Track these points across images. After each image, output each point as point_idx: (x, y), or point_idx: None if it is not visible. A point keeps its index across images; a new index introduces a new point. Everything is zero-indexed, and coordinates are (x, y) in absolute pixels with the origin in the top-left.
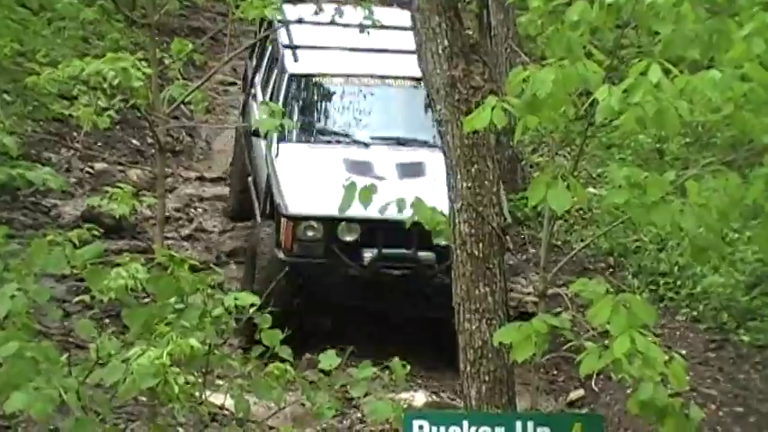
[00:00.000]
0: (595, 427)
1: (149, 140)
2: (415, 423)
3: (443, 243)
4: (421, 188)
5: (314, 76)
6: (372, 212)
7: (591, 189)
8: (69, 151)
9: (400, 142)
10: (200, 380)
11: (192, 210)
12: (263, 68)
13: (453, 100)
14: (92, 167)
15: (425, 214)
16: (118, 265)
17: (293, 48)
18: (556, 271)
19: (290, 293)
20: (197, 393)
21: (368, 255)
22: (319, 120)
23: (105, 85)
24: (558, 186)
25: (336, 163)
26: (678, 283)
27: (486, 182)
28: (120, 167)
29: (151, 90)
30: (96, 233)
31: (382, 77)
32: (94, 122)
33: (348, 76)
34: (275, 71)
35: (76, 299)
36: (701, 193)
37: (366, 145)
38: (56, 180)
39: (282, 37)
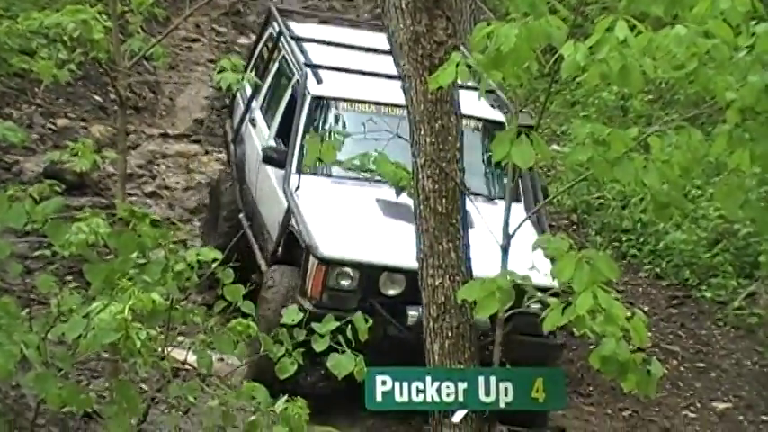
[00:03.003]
0: (557, 381)
1: (112, 96)
2: (378, 378)
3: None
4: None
5: (340, 100)
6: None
7: (555, 146)
8: (31, 107)
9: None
10: (162, 335)
11: (156, 167)
12: (264, 88)
13: (417, 55)
14: (54, 124)
15: (387, 169)
16: (79, 220)
17: (314, 67)
18: (518, 227)
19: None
20: (159, 349)
21: (413, 313)
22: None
23: (65, 38)
24: (522, 143)
25: (370, 203)
26: (641, 239)
27: (449, 138)
28: (83, 124)
29: (112, 43)
30: (58, 189)
31: (392, 106)
32: (55, 76)
33: (379, 104)
34: (287, 93)
35: (37, 252)
36: (663, 149)
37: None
38: (16, 135)
39: (297, 55)
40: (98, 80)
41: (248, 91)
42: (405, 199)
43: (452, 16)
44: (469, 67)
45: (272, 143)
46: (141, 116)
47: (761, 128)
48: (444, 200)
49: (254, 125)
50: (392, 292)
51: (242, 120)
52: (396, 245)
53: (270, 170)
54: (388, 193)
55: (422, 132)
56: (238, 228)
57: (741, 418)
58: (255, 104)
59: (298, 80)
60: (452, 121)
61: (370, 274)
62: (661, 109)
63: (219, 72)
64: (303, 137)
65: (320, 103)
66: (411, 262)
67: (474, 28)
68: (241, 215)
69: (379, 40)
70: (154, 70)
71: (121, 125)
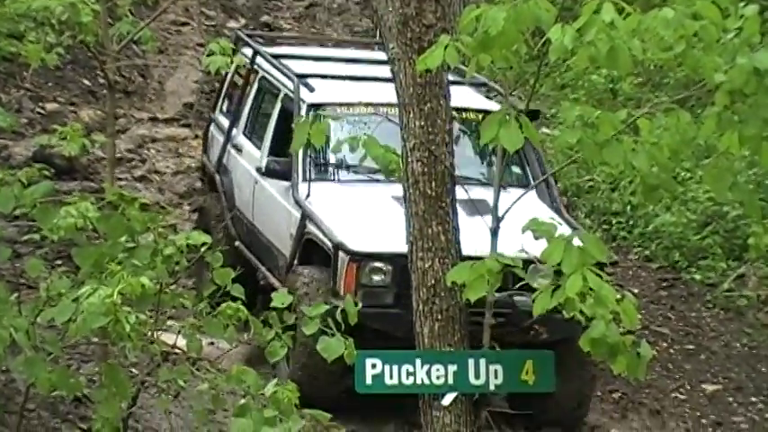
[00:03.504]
0: (546, 363)
1: (101, 80)
2: (368, 361)
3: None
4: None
5: (336, 105)
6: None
7: (544, 129)
8: (19, 91)
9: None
10: (151, 319)
11: (145, 151)
12: (245, 113)
13: (405, 38)
14: (43, 108)
15: (376, 152)
16: (68, 204)
17: (303, 77)
18: (508, 210)
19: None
20: (148, 333)
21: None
22: (347, 154)
23: (53, 21)
24: (510, 125)
25: (387, 201)
26: (631, 222)
27: (438, 121)
28: (72, 108)
29: (100, 27)
30: (47, 173)
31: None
32: (43, 60)
33: (374, 104)
34: (275, 109)
35: (26, 237)
36: (652, 131)
37: None
38: (5, 119)
39: (282, 69)
40: (87, 64)
41: (222, 122)
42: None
43: None
44: (458, 49)
45: (266, 161)
46: (130, 100)
47: (750, 110)
48: (434, 183)
49: (239, 151)
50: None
51: (224, 149)
52: None
53: (270, 187)
54: (401, 190)
55: (411, 115)
56: (235, 258)
57: (731, 399)
58: (236, 132)
59: (287, 93)
60: (441, 105)
61: (404, 266)
62: (650, 91)
63: (209, 56)
64: (305, 147)
65: (316, 111)
66: None
67: (463, 11)
68: (237, 243)
69: (348, 53)
70: (143, 54)
71: (110, 109)
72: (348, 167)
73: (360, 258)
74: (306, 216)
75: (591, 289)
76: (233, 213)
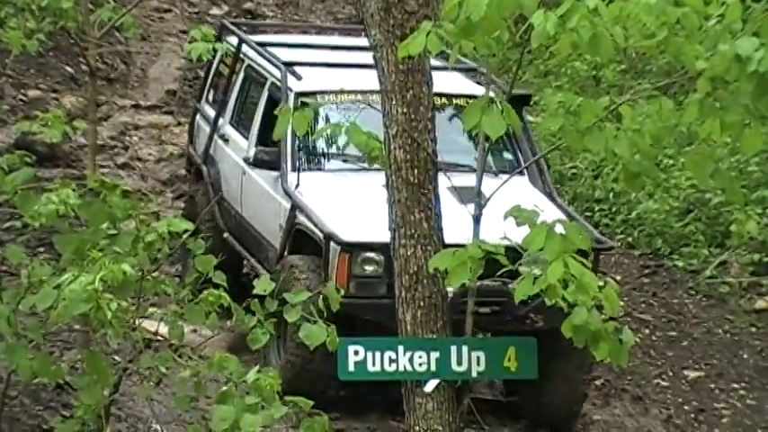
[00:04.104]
0: (529, 350)
1: (83, 67)
2: (351, 348)
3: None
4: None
5: (325, 93)
6: (449, 237)
7: (528, 117)
8: (1, 78)
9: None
10: (133, 306)
11: (128, 138)
12: (231, 103)
13: (388, 25)
14: (25, 95)
15: (359, 139)
16: (50, 191)
17: (290, 65)
18: (491, 197)
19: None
20: (130, 320)
21: (449, 288)
22: (336, 143)
23: (34, 7)
24: (492, 112)
25: (378, 190)
26: (613, 209)
27: (421, 108)
28: (54, 95)
29: (81, 13)
30: (29, 160)
31: None
32: (24, 46)
33: (363, 92)
34: (262, 98)
35: (7, 224)
36: (634, 118)
37: None
38: None
39: (269, 57)
40: (69, 51)
41: (209, 112)
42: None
43: None
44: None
45: (254, 151)
46: (113, 87)
47: (731, 97)
48: (416, 170)
49: (226, 141)
50: None
51: (210, 139)
52: None
53: (258, 177)
54: None
55: (393, 102)
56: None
57: (713, 386)
58: (223, 122)
59: (274, 82)
60: (424, 91)
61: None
62: (633, 79)
63: (191, 42)
64: (293, 134)
65: (306, 99)
66: (446, 239)
67: None
68: (226, 235)
69: (333, 40)
70: (125, 41)
71: (92, 95)
72: (338, 156)
73: (352, 249)
74: (295, 206)
75: (573, 276)
76: (219, 203)
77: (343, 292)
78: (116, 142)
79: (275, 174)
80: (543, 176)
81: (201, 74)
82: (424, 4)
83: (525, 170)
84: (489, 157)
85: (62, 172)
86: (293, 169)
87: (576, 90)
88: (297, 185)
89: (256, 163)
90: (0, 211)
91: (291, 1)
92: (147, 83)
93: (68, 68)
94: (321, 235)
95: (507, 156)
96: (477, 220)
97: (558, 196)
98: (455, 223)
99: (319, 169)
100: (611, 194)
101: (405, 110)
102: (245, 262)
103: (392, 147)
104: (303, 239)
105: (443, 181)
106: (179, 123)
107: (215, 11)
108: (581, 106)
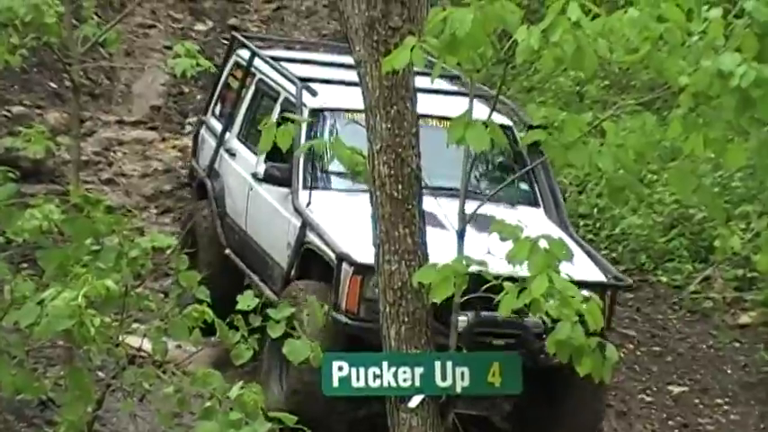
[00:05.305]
0: (513, 366)
1: (68, 83)
2: (335, 364)
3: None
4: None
5: (338, 111)
6: (470, 267)
7: None
8: None
9: (453, 192)
10: (116, 322)
11: (112, 153)
12: (240, 117)
13: (372, 41)
14: (9, 111)
15: (343, 153)
16: (33, 206)
17: (305, 81)
18: (474, 212)
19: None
20: (114, 335)
21: (461, 319)
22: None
23: (17, 22)
24: (476, 126)
25: None
26: (598, 224)
27: (405, 123)
28: (39, 111)
29: (65, 28)
30: (12, 176)
31: (427, 117)
32: (7, 61)
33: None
34: (273, 113)
35: None
36: (618, 133)
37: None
38: None
39: (283, 72)
40: (53, 67)
41: (215, 125)
42: (428, 206)
43: (408, 1)
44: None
45: (262, 167)
46: (97, 103)
47: (714, 112)
48: (400, 186)
49: (232, 155)
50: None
51: (216, 153)
52: (433, 249)
53: (267, 193)
54: None
55: (378, 118)
56: (223, 267)
57: (697, 401)
58: (230, 135)
59: (287, 97)
60: (408, 107)
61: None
62: (617, 94)
63: (174, 58)
64: (305, 153)
65: (318, 116)
66: None
67: (429, 13)
68: (227, 251)
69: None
70: (109, 56)
71: (75, 111)
72: (350, 175)
73: (365, 270)
74: (306, 225)
75: (557, 290)
76: (222, 218)
77: (352, 316)
78: (100, 158)
79: (285, 190)
80: (559, 210)
81: (186, 89)
82: (408, 20)
83: (541, 203)
84: (505, 188)
85: (46, 188)
86: (305, 187)
87: (560, 105)
88: (308, 203)
89: (267, 179)
90: None
91: (276, 17)
92: (131, 98)
93: (52, 84)
94: (332, 255)
95: (523, 186)
96: (461, 235)
97: (574, 231)
98: (474, 253)
99: (331, 188)
100: (595, 210)
101: (389, 125)
102: (245, 279)
103: (376, 162)
104: (312, 259)
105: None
106: (163, 139)
107: (199, 26)
108: (565, 121)
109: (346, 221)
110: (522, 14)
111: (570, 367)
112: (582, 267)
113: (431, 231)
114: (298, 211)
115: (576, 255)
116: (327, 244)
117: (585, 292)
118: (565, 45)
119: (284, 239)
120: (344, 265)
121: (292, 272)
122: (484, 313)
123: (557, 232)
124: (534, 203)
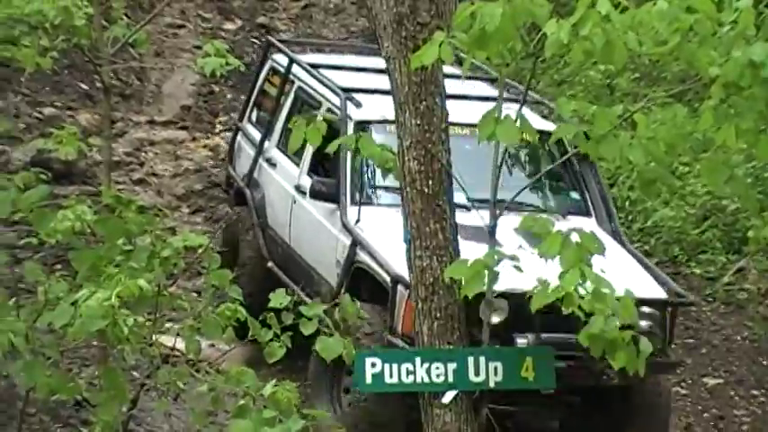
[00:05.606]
0: (546, 360)
1: (98, 84)
2: (368, 360)
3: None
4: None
5: (387, 122)
6: (526, 285)
7: None
8: (17, 96)
9: (509, 206)
10: (149, 321)
11: (143, 154)
12: (279, 125)
13: (400, 37)
14: (41, 113)
15: (373, 152)
16: (65, 207)
17: (348, 91)
18: (506, 206)
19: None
20: (147, 335)
21: (521, 341)
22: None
23: (47, 25)
24: (506, 121)
25: None
26: (630, 217)
27: (434, 119)
28: (70, 112)
29: (95, 30)
30: (44, 178)
31: (470, 126)
32: (38, 64)
33: None
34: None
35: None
36: (649, 125)
37: (467, 208)
38: (2, 124)
39: (325, 81)
40: (84, 68)
41: (252, 132)
42: (479, 221)
43: None
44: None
45: (306, 179)
46: (128, 103)
47: (746, 103)
48: (431, 181)
49: (273, 165)
50: (495, 319)
51: (255, 162)
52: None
53: (312, 208)
54: (459, 216)
55: (407, 114)
56: (267, 280)
57: (732, 393)
58: (269, 144)
59: (330, 108)
60: (437, 103)
61: (468, 301)
62: (647, 86)
63: (204, 57)
64: (353, 167)
65: (364, 128)
66: (514, 285)
67: (457, 8)
68: (270, 264)
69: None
70: (139, 57)
71: (106, 112)
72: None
73: None
74: (357, 243)
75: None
76: (263, 229)
77: (409, 340)
78: (131, 158)
79: (332, 206)
80: (612, 219)
81: (216, 89)
82: (436, 15)
83: (593, 212)
84: (555, 197)
85: (78, 189)
86: (353, 203)
87: (590, 99)
88: (357, 220)
89: (313, 194)
90: (16, 229)
91: (305, 15)
92: (161, 99)
93: (83, 86)
94: (387, 277)
95: (574, 195)
96: (492, 230)
97: (628, 241)
98: (524, 266)
99: (380, 203)
100: (627, 202)
101: (418, 121)
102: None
103: (406, 158)
104: (362, 277)
105: (511, 222)
106: (194, 138)
107: (228, 26)
108: (595, 114)
109: (398, 239)
110: (551, 7)
111: (634, 388)
112: (641, 284)
113: (480, 246)
114: (347, 229)
115: (634, 270)
116: (380, 265)
117: (647, 309)
118: (594, 38)
119: (332, 256)
120: (400, 288)
121: (342, 291)
122: (544, 335)
123: (609, 242)
124: (586, 213)
